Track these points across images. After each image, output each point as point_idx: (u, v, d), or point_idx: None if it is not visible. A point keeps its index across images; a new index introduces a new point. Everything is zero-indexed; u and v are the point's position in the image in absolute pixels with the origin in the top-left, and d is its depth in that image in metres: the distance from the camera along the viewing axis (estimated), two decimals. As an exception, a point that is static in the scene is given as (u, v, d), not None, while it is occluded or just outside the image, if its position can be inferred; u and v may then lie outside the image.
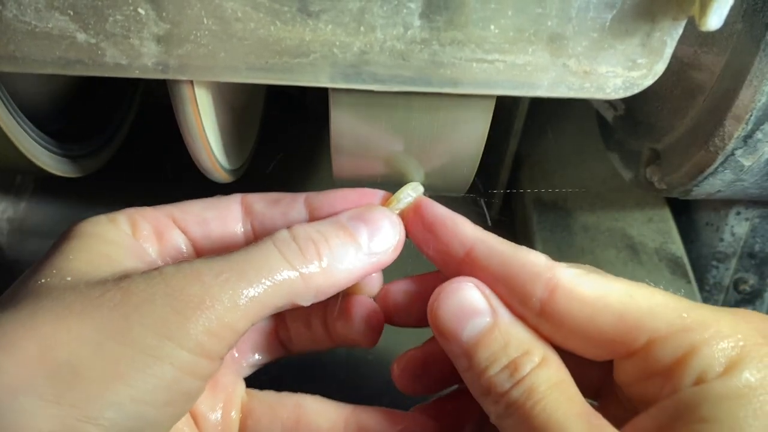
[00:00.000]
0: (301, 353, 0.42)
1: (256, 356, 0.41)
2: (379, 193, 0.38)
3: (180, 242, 0.37)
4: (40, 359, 0.27)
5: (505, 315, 0.32)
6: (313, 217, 0.38)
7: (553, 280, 0.31)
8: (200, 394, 0.31)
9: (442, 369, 0.38)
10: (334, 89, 0.35)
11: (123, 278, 0.30)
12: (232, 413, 0.38)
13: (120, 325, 0.28)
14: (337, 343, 0.41)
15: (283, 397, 0.40)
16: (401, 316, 0.39)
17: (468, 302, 0.32)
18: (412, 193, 0.38)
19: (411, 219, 0.37)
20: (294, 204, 0.38)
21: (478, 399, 0.32)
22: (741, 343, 0.28)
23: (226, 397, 0.38)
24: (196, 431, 0.37)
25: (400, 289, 0.39)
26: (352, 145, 0.39)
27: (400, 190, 0.38)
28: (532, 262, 0.32)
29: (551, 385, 0.30)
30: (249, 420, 0.39)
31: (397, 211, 0.37)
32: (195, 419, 0.37)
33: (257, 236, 0.38)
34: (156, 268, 0.31)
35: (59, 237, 0.34)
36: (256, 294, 0.30)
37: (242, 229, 0.38)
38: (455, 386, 0.40)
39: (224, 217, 0.38)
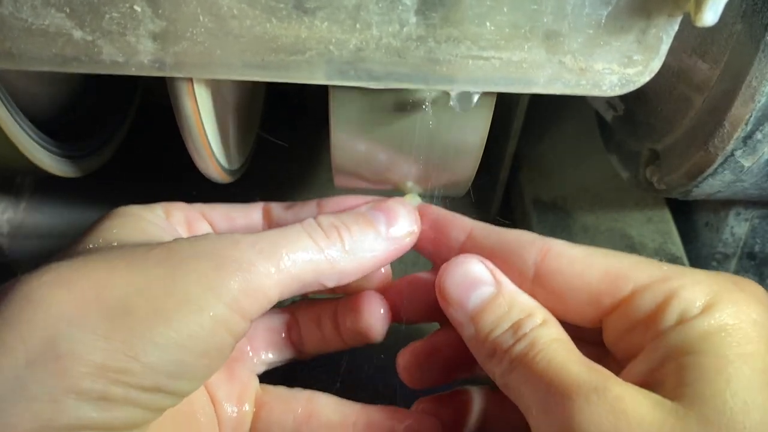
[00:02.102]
0: (312, 356, 0.44)
1: (270, 355, 0.43)
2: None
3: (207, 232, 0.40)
4: (94, 297, 0.29)
5: (508, 284, 0.35)
6: None
7: (545, 246, 0.35)
8: (229, 354, 0.33)
9: (446, 361, 0.40)
10: (334, 88, 0.35)
11: (168, 241, 0.33)
12: (246, 405, 0.41)
13: (166, 275, 0.30)
14: (346, 341, 0.43)
15: (295, 392, 0.42)
16: (408, 313, 0.41)
17: (473, 273, 0.36)
18: (414, 203, 0.41)
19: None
20: (306, 207, 0.41)
21: (483, 363, 0.35)
22: (715, 288, 0.32)
23: (242, 388, 0.41)
24: (215, 415, 0.39)
25: (406, 285, 0.42)
26: (352, 146, 0.39)
27: (405, 198, 0.41)
28: (525, 234, 0.36)
29: (552, 339, 0.33)
30: (262, 411, 0.41)
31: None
32: (214, 404, 0.39)
33: None
34: (202, 234, 0.34)
35: (98, 219, 0.37)
36: (286, 266, 0.33)
37: (261, 227, 0.42)
38: (456, 382, 0.41)
39: (248, 216, 0.42)
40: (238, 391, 0.41)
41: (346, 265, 0.35)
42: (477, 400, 0.40)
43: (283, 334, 0.44)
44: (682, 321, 0.31)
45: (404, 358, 0.41)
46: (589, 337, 0.36)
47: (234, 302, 0.31)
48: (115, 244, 0.34)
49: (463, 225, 0.38)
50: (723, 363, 0.29)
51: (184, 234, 0.39)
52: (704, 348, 0.30)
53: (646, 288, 0.33)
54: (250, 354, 0.43)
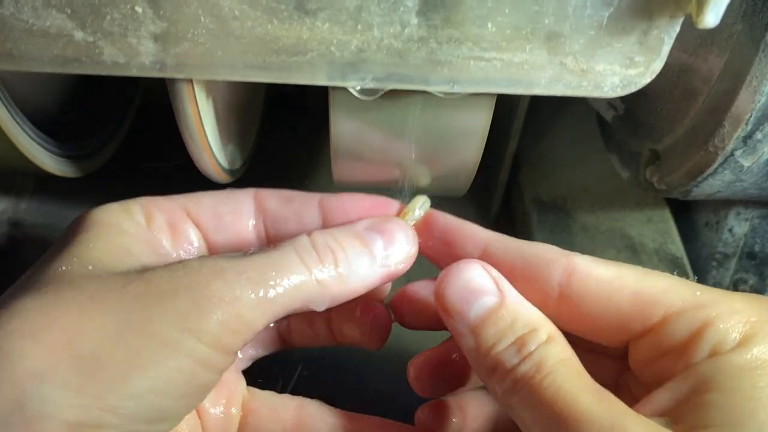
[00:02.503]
0: (299, 347, 0.42)
1: (258, 351, 0.42)
2: (393, 204, 0.38)
3: (192, 235, 0.37)
4: (64, 348, 0.27)
5: (511, 294, 0.33)
6: (326, 221, 0.38)
7: (570, 264, 0.32)
8: (213, 388, 0.31)
9: (458, 370, 0.38)
10: (334, 88, 0.35)
11: (146, 270, 0.30)
12: (233, 409, 0.39)
13: (142, 316, 0.29)
14: (340, 342, 0.41)
15: (284, 399, 0.40)
16: (414, 319, 0.39)
17: (475, 282, 0.33)
18: (421, 208, 0.38)
19: (423, 231, 0.37)
20: (308, 205, 0.38)
21: (483, 379, 0.32)
22: (753, 319, 0.29)
23: (229, 393, 0.39)
24: (198, 422, 0.37)
25: (414, 291, 0.39)
26: (351, 146, 0.39)
27: (412, 202, 0.38)
28: (548, 250, 0.33)
29: (559, 360, 0.30)
30: (250, 417, 0.39)
31: (412, 223, 0.37)
32: (198, 411, 0.37)
33: (269, 234, 0.38)
34: (179, 262, 0.31)
35: (73, 224, 0.34)
36: (275, 295, 0.31)
37: (254, 224, 0.38)
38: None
39: (237, 212, 0.38)
40: (226, 396, 0.39)
41: (337, 290, 0.33)
42: (476, 405, 0.39)
43: (270, 328, 0.41)
44: (715, 353, 0.29)
45: (416, 368, 0.38)
46: (605, 349, 0.35)
47: (215, 341, 0.29)
48: (90, 267, 0.31)
49: (477, 238, 0.35)
50: (756, 406, 0.27)
51: (168, 242, 0.36)
52: (737, 386, 0.28)
53: (680, 314, 0.30)
54: (238, 355, 0.41)
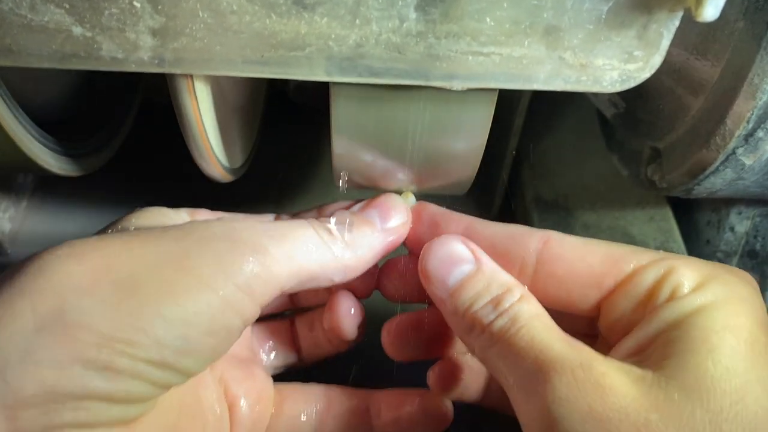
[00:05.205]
0: (311, 361, 0.46)
1: (277, 359, 0.45)
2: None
3: None
4: (105, 270, 0.30)
5: (487, 262, 0.36)
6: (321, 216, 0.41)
7: (546, 234, 0.36)
8: (236, 338, 0.33)
9: (431, 334, 0.42)
10: (335, 85, 0.35)
11: (184, 223, 0.34)
12: (264, 403, 0.42)
13: (180, 253, 0.31)
14: (332, 342, 0.44)
15: (311, 385, 0.44)
16: (401, 291, 0.42)
17: (454, 252, 0.36)
18: (408, 202, 0.42)
19: (413, 222, 0.41)
20: (307, 215, 0.42)
21: (462, 338, 0.36)
22: (709, 270, 0.33)
23: (261, 387, 0.42)
24: (226, 414, 0.40)
25: (402, 264, 0.42)
26: (352, 144, 0.39)
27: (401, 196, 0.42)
28: (525, 227, 0.37)
29: (532, 315, 0.33)
30: (284, 405, 0.43)
31: None
32: (232, 406, 0.40)
33: None
34: (217, 218, 0.35)
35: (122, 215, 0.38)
36: (296, 255, 0.34)
37: None
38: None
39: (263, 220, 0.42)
40: (258, 390, 0.41)
41: (349, 259, 0.36)
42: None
43: (287, 341, 0.45)
44: (673, 297, 0.32)
45: (389, 331, 0.42)
46: (579, 328, 0.37)
47: (245, 284, 0.32)
48: (133, 229, 0.35)
49: (460, 221, 0.39)
50: (708, 334, 0.30)
51: None
52: (692, 322, 0.31)
53: (646, 267, 0.34)
54: (264, 357, 0.45)
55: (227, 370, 0.40)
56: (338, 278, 0.36)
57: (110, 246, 0.31)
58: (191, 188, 0.46)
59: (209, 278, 0.31)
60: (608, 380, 0.29)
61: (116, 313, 0.29)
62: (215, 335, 0.31)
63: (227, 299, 0.31)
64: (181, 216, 0.39)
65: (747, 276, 0.34)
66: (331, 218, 0.37)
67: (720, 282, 0.32)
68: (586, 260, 0.35)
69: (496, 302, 0.34)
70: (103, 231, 0.36)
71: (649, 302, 0.33)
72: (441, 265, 0.36)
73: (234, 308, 0.32)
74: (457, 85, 0.34)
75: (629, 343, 0.32)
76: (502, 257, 0.36)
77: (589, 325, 0.37)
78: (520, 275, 0.36)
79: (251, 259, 0.32)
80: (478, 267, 0.36)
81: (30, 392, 0.27)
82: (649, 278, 0.33)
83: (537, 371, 0.30)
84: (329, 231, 0.36)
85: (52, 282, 0.29)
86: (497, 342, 0.33)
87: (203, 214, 0.40)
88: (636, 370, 0.30)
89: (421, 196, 0.43)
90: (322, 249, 0.35)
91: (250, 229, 0.33)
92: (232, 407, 0.40)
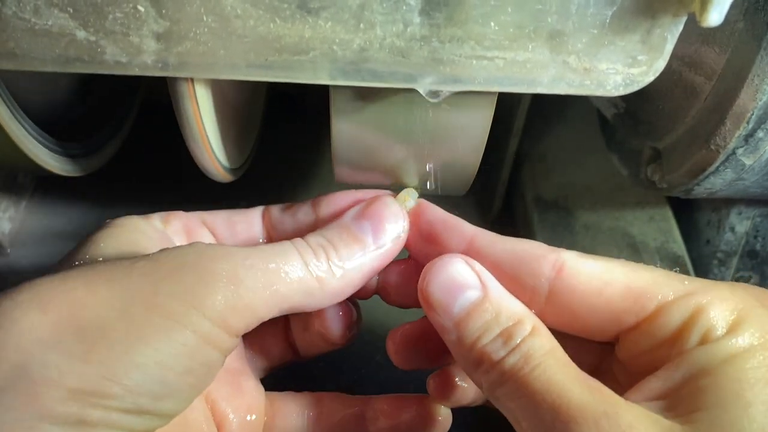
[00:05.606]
0: (308, 357, 0.43)
1: (271, 359, 0.43)
2: (382, 194, 0.39)
3: (206, 239, 0.39)
4: (69, 318, 0.28)
5: (495, 287, 0.33)
6: (318, 217, 0.39)
7: (559, 260, 0.33)
8: (217, 370, 0.32)
9: (437, 346, 0.38)
10: (335, 87, 0.35)
11: (153, 253, 0.31)
12: (255, 415, 0.40)
13: (148, 291, 0.29)
14: (327, 341, 0.42)
15: (305, 395, 0.42)
16: (401, 296, 0.40)
17: (458, 276, 0.33)
18: (411, 200, 0.39)
19: (411, 226, 0.38)
20: (302, 207, 0.40)
21: (468, 372, 0.33)
22: (740, 306, 0.30)
23: (250, 399, 0.40)
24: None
25: (400, 268, 0.40)
26: (352, 145, 0.39)
27: (400, 195, 0.39)
28: (534, 246, 0.34)
29: (546, 351, 0.31)
30: (276, 418, 0.41)
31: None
32: (220, 424, 0.38)
33: (269, 237, 0.41)
34: (189, 244, 0.32)
35: (92, 231, 0.35)
36: (277, 284, 0.32)
37: (261, 231, 0.41)
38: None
39: (249, 221, 0.40)
40: (247, 405, 0.39)
41: (335, 284, 0.34)
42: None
43: (282, 338, 0.43)
44: (705, 341, 0.30)
45: (394, 341, 0.39)
46: (590, 348, 0.35)
47: (220, 319, 0.30)
48: (101, 259, 0.32)
49: (463, 233, 0.36)
50: (742, 387, 0.28)
51: (184, 243, 0.38)
52: (725, 371, 0.28)
53: (672, 305, 0.31)
54: (253, 362, 0.42)
55: (214, 389, 0.38)
56: (324, 304, 0.35)
57: (74, 289, 0.29)
58: (191, 188, 0.46)
59: (182, 316, 0.29)
60: None
61: (84, 366, 0.27)
62: (194, 373, 0.30)
63: (203, 335, 0.29)
64: (153, 225, 0.37)
65: None
66: (319, 238, 0.35)
67: (754, 322, 0.30)
68: (603, 295, 0.32)
69: (506, 336, 0.31)
70: (70, 257, 0.34)
71: (676, 343, 0.30)
72: (444, 291, 0.33)
73: (211, 343, 0.30)
74: (461, 89, 0.34)
75: (654, 384, 0.30)
76: (511, 281, 0.34)
77: (600, 349, 0.35)
78: (530, 302, 0.33)
79: (225, 291, 0.30)
80: (485, 294, 0.33)
81: None
82: (675, 318, 0.31)
83: (555, 419, 0.28)
84: (315, 254, 0.34)
85: (13, 335, 0.27)
86: (508, 381, 0.30)
87: (177, 218, 0.38)
88: (664, 422, 0.28)
89: (421, 197, 0.42)
90: (306, 277, 0.33)
91: (226, 257, 0.31)
92: (221, 426, 0.38)
